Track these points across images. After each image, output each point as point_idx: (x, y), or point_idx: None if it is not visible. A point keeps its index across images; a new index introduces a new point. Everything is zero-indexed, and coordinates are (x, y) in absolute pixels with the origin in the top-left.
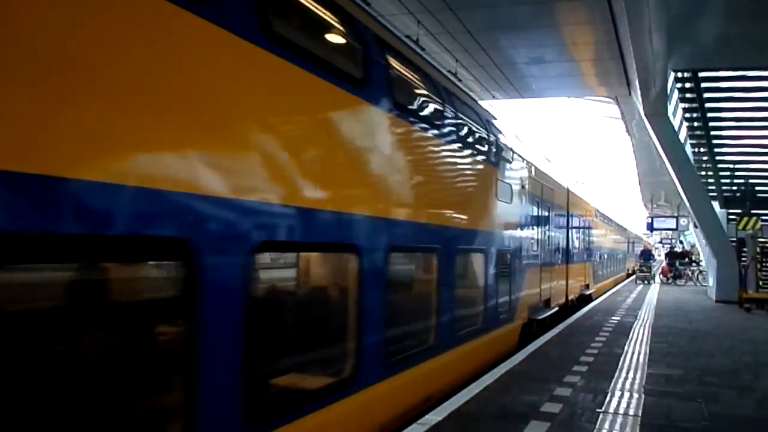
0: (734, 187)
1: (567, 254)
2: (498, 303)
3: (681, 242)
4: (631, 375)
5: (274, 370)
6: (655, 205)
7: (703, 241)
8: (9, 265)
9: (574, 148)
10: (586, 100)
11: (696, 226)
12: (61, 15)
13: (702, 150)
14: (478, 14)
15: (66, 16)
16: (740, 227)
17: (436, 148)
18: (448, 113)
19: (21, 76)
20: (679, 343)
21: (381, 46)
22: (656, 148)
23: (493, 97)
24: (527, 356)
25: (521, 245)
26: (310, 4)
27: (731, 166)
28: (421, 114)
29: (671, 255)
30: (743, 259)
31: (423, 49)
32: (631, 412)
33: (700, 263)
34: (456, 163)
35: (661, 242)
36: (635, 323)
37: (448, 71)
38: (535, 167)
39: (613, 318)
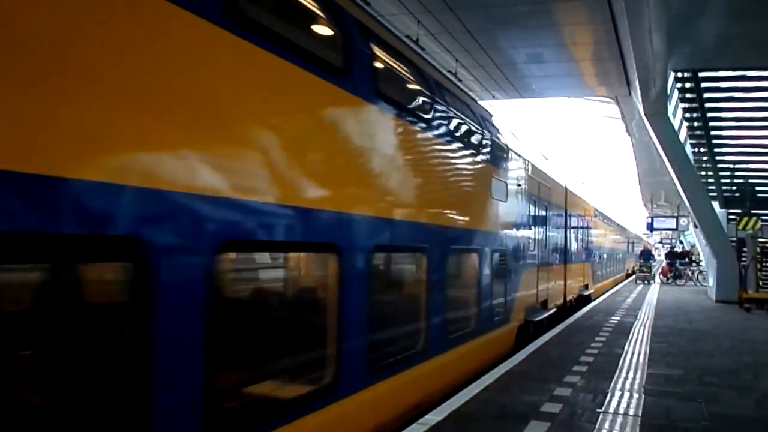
0: (734, 187)
1: (565, 254)
2: (492, 304)
3: (681, 242)
4: (631, 375)
5: (241, 380)
6: (655, 205)
7: (703, 241)
8: None
9: (574, 148)
10: (586, 100)
11: (696, 226)
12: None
13: (702, 150)
14: (478, 14)
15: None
16: (740, 227)
17: (426, 143)
18: (439, 107)
19: None
20: (679, 343)
21: (364, 33)
22: (656, 148)
23: (493, 97)
24: (527, 356)
25: (517, 245)
26: None
27: (731, 166)
28: (408, 106)
29: (671, 255)
30: (743, 259)
31: (423, 49)
32: (631, 412)
33: (700, 263)
34: (447, 160)
35: (661, 242)
36: (635, 323)
37: (448, 71)
38: (532, 165)
39: (613, 318)
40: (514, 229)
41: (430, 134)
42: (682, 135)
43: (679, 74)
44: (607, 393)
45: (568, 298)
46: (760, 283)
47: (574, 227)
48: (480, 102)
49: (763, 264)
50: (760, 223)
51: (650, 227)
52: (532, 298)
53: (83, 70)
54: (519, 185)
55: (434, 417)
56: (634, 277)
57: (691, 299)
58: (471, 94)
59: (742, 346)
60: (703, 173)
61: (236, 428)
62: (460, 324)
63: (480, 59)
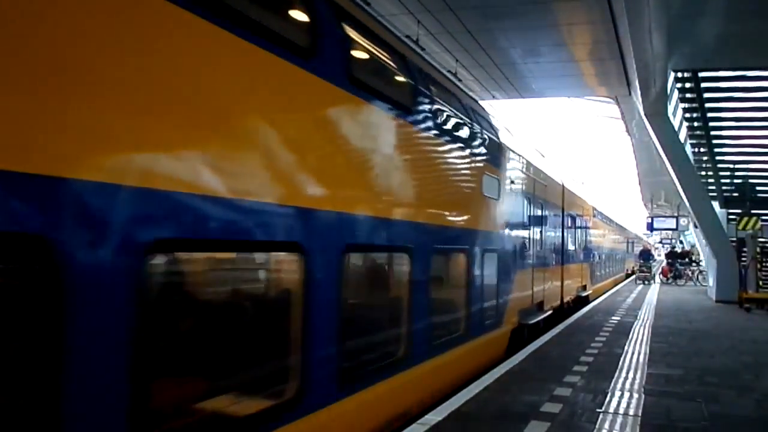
0: (734, 187)
1: (562, 254)
2: (483, 308)
3: (681, 242)
4: (631, 375)
5: (180, 398)
6: (655, 205)
7: (703, 241)
8: None
9: (575, 148)
10: (586, 100)
11: (696, 226)
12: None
13: (702, 150)
14: (478, 14)
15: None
16: (740, 227)
17: (407, 135)
18: (423, 96)
19: None
20: (679, 343)
21: (334, 10)
22: (656, 148)
23: (493, 97)
24: (527, 356)
25: (511, 245)
26: None
27: (731, 166)
28: (386, 93)
29: (672, 255)
30: (743, 259)
31: (423, 49)
32: (631, 412)
33: (700, 263)
34: (432, 153)
35: (661, 242)
36: (635, 323)
37: (448, 71)
38: (527, 161)
39: (613, 318)
40: (508, 228)
41: (412, 125)
42: (682, 135)
43: (679, 74)
44: (607, 393)
45: (565, 300)
46: (760, 283)
47: (571, 226)
48: (480, 102)
49: (763, 264)
50: (760, 223)
51: (650, 227)
52: (527, 300)
53: None
54: (513, 182)
55: (434, 417)
56: (634, 277)
57: (691, 299)
58: (460, 84)
59: (742, 346)
60: (703, 173)
61: None
62: (446, 329)
63: (480, 59)
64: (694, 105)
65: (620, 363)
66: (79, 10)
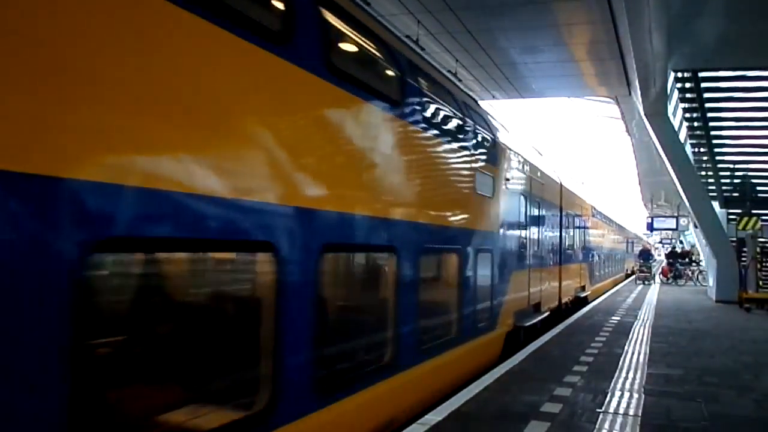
0: (734, 187)
1: (560, 254)
2: (476, 310)
3: (681, 242)
4: (631, 375)
5: (133, 410)
6: (655, 205)
7: (703, 241)
8: None
9: (575, 149)
10: (586, 100)
11: (696, 226)
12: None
13: (702, 150)
14: (478, 14)
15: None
16: (740, 227)
17: (393, 128)
18: (412, 89)
19: None
20: (679, 343)
21: None
22: (656, 148)
23: (493, 97)
24: (527, 356)
25: (506, 244)
26: None
27: (731, 166)
28: (372, 85)
29: (672, 255)
30: (743, 259)
31: (423, 49)
32: (631, 412)
33: (700, 263)
34: (421, 148)
35: (661, 242)
36: (635, 323)
37: (448, 71)
38: (523, 159)
39: (613, 318)
40: (503, 228)
41: (399, 119)
42: (682, 135)
43: (679, 74)
44: (607, 393)
45: (563, 301)
46: (760, 283)
47: (569, 226)
48: (480, 101)
49: (763, 264)
50: (760, 223)
51: (650, 227)
52: (523, 301)
53: None
54: (508, 180)
55: (434, 417)
56: (633, 277)
57: (691, 299)
58: (452, 78)
59: (742, 346)
60: (703, 173)
61: None
62: (436, 332)
63: (480, 59)
64: (694, 105)
65: (620, 363)
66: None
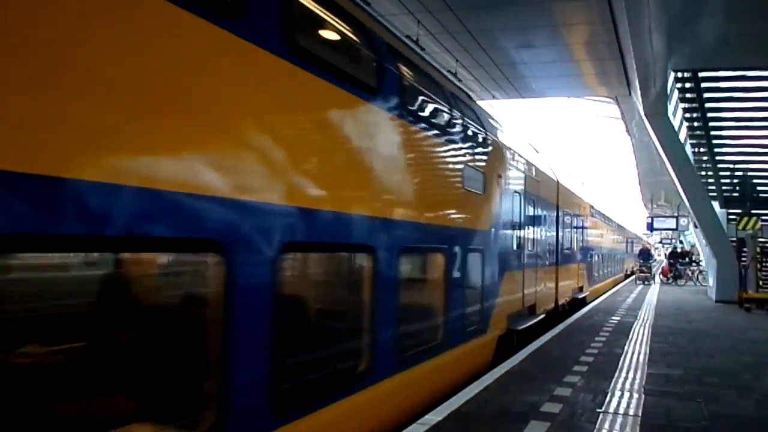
0: (734, 187)
1: (557, 254)
2: (464, 313)
3: (681, 242)
4: (631, 375)
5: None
6: (655, 205)
7: (703, 241)
8: None
9: (575, 149)
10: (586, 100)
11: (696, 226)
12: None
13: (702, 150)
14: (478, 14)
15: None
16: (740, 227)
17: (372, 119)
18: (390, 75)
19: None
20: (679, 343)
21: None
22: (656, 148)
23: (493, 97)
24: (527, 356)
25: (498, 244)
26: None
27: (731, 166)
28: (343, 68)
29: (673, 255)
30: (743, 259)
31: (423, 49)
32: (631, 412)
33: (700, 263)
34: (404, 141)
35: (661, 242)
36: (635, 323)
37: (448, 71)
38: (517, 155)
39: (613, 318)
40: (495, 226)
41: (375, 107)
42: (682, 135)
43: (679, 74)
44: (607, 393)
45: (560, 302)
46: (760, 283)
47: (567, 225)
48: (480, 101)
49: (763, 264)
50: (760, 223)
51: (650, 227)
52: (517, 303)
53: None
54: (500, 176)
55: (434, 417)
56: (633, 277)
57: (691, 299)
58: (436, 65)
59: (742, 346)
60: (703, 173)
61: None
62: (418, 339)
63: (480, 59)
64: (694, 105)
65: (620, 363)
66: None
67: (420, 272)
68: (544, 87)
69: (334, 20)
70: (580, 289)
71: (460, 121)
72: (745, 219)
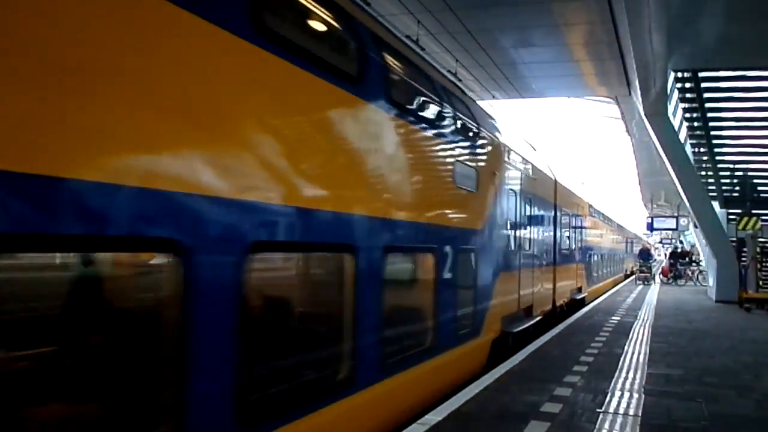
0: (734, 187)
1: (555, 254)
2: (455, 316)
3: (681, 242)
4: (631, 375)
5: None
6: (655, 205)
7: (703, 241)
8: None
9: (575, 149)
10: (586, 100)
11: (696, 226)
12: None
13: (702, 150)
14: (478, 14)
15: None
16: (740, 227)
17: (353, 109)
18: (374, 64)
19: None
20: (679, 343)
21: None
22: (656, 148)
23: (493, 97)
24: (527, 356)
25: (492, 243)
26: None
27: (731, 166)
28: (318, 54)
29: (674, 255)
30: (743, 259)
31: (423, 49)
32: (631, 412)
33: (700, 263)
34: (388, 134)
35: (661, 242)
36: (635, 323)
37: (448, 71)
38: (513, 151)
39: (613, 318)
40: (488, 225)
41: (357, 97)
42: (682, 135)
43: (679, 74)
44: (607, 393)
45: (558, 303)
46: (760, 283)
47: (565, 225)
48: (480, 101)
49: (763, 264)
50: (760, 223)
51: (650, 227)
52: (513, 304)
53: None
54: (495, 174)
55: (434, 417)
56: (633, 277)
57: (691, 299)
58: (426, 56)
59: (742, 346)
60: (703, 173)
61: None
62: (404, 344)
63: (480, 59)
64: (694, 105)
65: (620, 363)
66: None
67: (407, 273)
68: (544, 87)
69: (312, 5)
70: (579, 290)
71: (450, 115)
72: (745, 219)
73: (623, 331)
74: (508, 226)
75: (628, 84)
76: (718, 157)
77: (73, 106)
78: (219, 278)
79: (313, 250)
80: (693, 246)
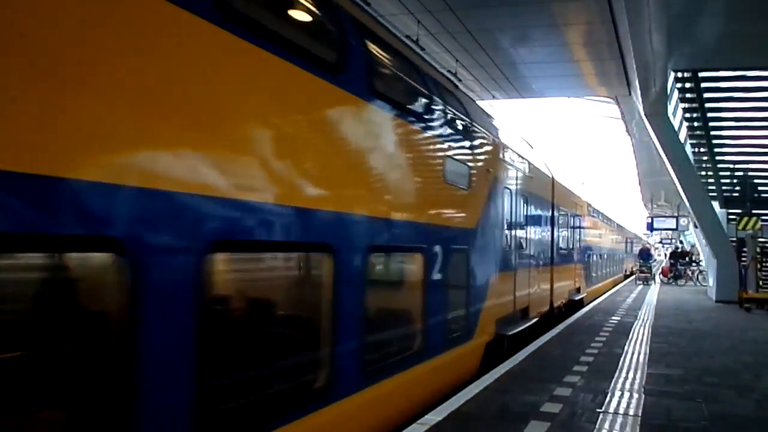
0: (734, 187)
1: (552, 254)
2: (446, 319)
3: (681, 242)
4: (631, 375)
5: None
6: (655, 205)
7: (703, 241)
8: None
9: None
10: (586, 100)
11: (696, 226)
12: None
13: (702, 150)
14: (478, 14)
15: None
16: (740, 227)
17: (334, 99)
18: (357, 53)
19: None
20: (679, 343)
21: None
22: (656, 148)
23: (493, 97)
24: (527, 356)
25: (485, 243)
26: None
27: (731, 166)
28: (296, 41)
29: (674, 255)
30: (743, 259)
31: (423, 49)
32: (631, 412)
33: (700, 263)
34: (371, 127)
35: (661, 242)
36: (635, 323)
37: (448, 71)
38: (508, 148)
39: (613, 318)
40: (481, 224)
41: (338, 86)
42: (682, 135)
43: (679, 74)
44: (607, 393)
45: (555, 304)
46: (760, 283)
47: (563, 224)
48: (480, 101)
49: (763, 264)
50: (760, 223)
51: (650, 227)
52: (508, 306)
53: None
54: (488, 171)
55: (434, 417)
56: (633, 277)
57: (691, 299)
58: (415, 48)
59: (742, 346)
60: (703, 173)
61: None
62: (390, 348)
63: (480, 59)
64: (694, 105)
65: (620, 363)
66: None
67: (393, 274)
68: (544, 87)
69: None
70: (578, 291)
71: (441, 109)
72: (745, 219)
73: (623, 331)
74: (503, 226)
75: (628, 84)
76: (718, 157)
77: (39, 96)
78: (171, 280)
79: (285, 250)
80: (693, 246)
